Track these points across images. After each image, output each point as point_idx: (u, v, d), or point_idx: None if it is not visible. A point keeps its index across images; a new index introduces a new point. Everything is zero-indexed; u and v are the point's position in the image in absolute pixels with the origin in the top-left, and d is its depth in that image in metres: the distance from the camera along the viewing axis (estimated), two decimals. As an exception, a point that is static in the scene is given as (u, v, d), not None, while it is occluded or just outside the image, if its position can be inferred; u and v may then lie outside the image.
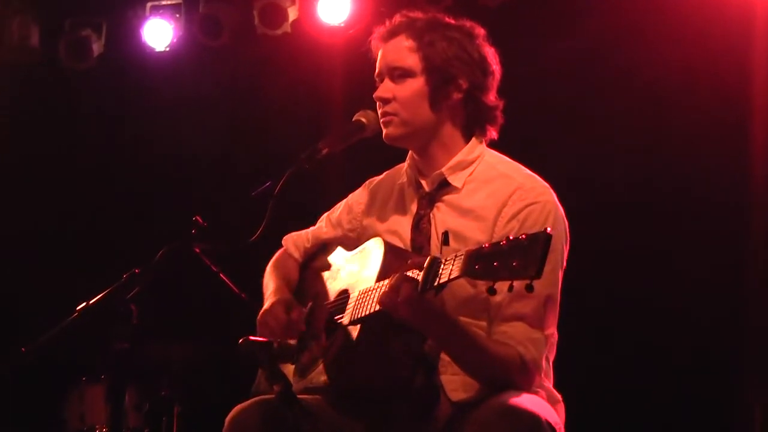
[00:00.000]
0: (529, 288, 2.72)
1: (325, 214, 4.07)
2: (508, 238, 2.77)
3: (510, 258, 2.73)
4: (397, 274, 3.09)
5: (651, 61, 6.50)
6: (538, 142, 6.47)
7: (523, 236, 2.74)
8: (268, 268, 4.04)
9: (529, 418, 3.07)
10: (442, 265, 2.96)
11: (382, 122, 3.65)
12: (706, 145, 6.34)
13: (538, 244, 2.70)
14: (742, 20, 6.35)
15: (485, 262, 2.79)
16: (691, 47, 6.37)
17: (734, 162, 6.33)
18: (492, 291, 2.80)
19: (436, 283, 2.96)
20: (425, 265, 3.00)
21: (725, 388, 6.21)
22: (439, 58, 3.60)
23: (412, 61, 3.60)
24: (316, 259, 4.00)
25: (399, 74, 3.61)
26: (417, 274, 3.04)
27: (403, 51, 3.62)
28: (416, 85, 3.60)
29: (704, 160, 6.36)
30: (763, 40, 6.34)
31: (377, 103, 3.69)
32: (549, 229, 2.73)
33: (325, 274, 3.81)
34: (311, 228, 4.09)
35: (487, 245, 2.81)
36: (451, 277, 2.90)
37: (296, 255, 4.07)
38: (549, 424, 3.12)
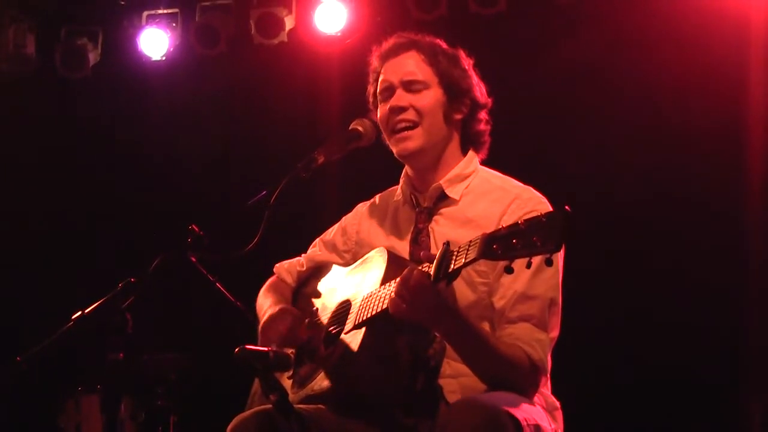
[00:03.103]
0: (549, 262, 2.74)
1: (318, 239, 4.09)
2: (524, 219, 2.80)
3: (530, 235, 2.75)
4: (409, 267, 3.10)
5: (648, 71, 6.52)
6: (536, 150, 6.50)
7: (541, 213, 2.77)
8: (261, 292, 4.04)
9: (488, 411, 3.05)
10: (455, 254, 2.97)
11: (398, 137, 3.67)
12: (705, 151, 6.36)
13: (557, 219, 2.73)
14: (738, 30, 6.37)
15: (503, 241, 2.81)
16: (688, 57, 6.39)
17: (732, 167, 6.35)
18: (509, 270, 2.82)
19: (450, 269, 2.96)
20: (437, 255, 3.01)
21: (724, 391, 6.22)
22: (452, 73, 3.71)
23: (428, 74, 3.70)
24: (308, 284, 4.01)
25: (415, 86, 3.68)
26: (429, 267, 3.05)
27: (417, 64, 3.71)
28: (434, 95, 3.68)
29: (703, 166, 6.38)
30: (760, 49, 6.36)
31: (383, 116, 3.71)
32: (567, 207, 2.75)
33: (321, 294, 3.82)
34: (304, 254, 4.10)
35: (504, 226, 2.83)
36: (468, 260, 2.91)
37: (289, 280, 4.08)
38: (513, 418, 3.09)
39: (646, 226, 6.51)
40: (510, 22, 6.90)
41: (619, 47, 6.61)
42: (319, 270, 3.98)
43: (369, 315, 3.30)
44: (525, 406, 3.27)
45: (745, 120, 6.34)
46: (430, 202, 3.70)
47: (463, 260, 2.92)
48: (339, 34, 7.20)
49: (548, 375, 3.56)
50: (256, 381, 3.81)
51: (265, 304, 3.86)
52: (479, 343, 3.26)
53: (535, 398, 3.44)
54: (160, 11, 7.68)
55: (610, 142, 6.56)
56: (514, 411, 3.12)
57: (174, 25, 7.68)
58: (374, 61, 3.84)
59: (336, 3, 7.17)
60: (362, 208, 4.01)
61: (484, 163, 3.83)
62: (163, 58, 7.66)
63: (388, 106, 3.71)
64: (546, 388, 3.55)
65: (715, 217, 6.33)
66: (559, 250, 2.73)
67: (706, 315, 6.26)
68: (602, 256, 6.36)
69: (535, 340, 3.37)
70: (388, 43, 3.81)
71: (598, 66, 6.62)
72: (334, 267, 3.88)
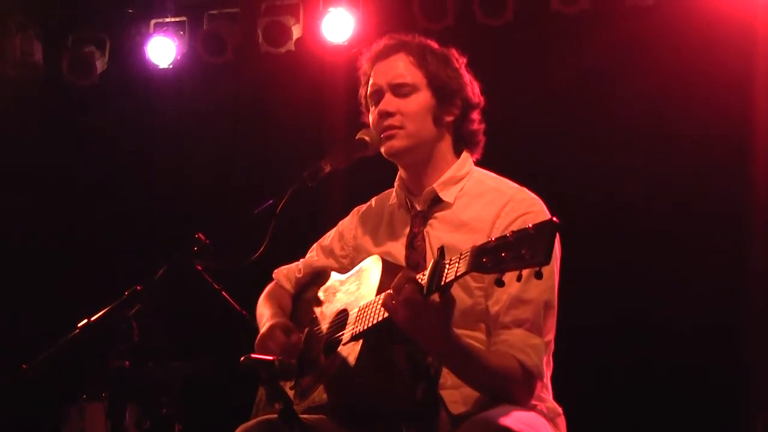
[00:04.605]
0: (539, 275, 2.71)
1: (316, 243, 4.07)
2: (512, 231, 2.77)
3: (518, 247, 2.73)
4: (401, 275, 3.05)
5: (654, 80, 6.54)
6: (542, 158, 6.52)
7: (530, 226, 2.74)
8: (261, 299, 4.03)
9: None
10: (447, 266, 2.94)
11: (385, 135, 3.66)
12: (710, 159, 6.38)
13: (545, 231, 2.71)
14: (743, 39, 6.40)
15: (493, 254, 2.78)
16: (694, 66, 6.41)
17: (737, 175, 6.37)
18: (500, 282, 2.79)
19: (442, 282, 2.93)
20: (429, 267, 2.98)
21: (727, 404, 6.21)
22: (441, 75, 3.67)
23: (416, 76, 3.66)
24: (307, 290, 3.99)
25: (403, 90, 3.65)
26: (422, 278, 3.02)
27: (405, 67, 3.68)
28: (422, 99, 3.65)
29: (708, 173, 6.40)
30: (765, 58, 6.37)
31: (373, 120, 3.71)
32: (555, 218, 2.74)
33: (320, 301, 3.80)
34: (302, 259, 4.09)
35: (493, 239, 2.81)
36: (458, 274, 2.87)
37: (288, 287, 4.07)
38: None
39: (651, 232, 6.52)
40: (517, 33, 6.92)
41: (625, 57, 6.64)
42: (318, 276, 3.96)
43: (365, 327, 3.27)
44: (534, 421, 3.28)
45: (750, 128, 6.36)
46: (425, 206, 3.67)
47: (454, 275, 2.89)
48: (346, 43, 7.21)
49: (549, 380, 3.54)
50: (261, 389, 3.82)
51: (263, 316, 3.85)
52: (469, 360, 3.21)
53: (537, 405, 3.43)
54: (168, 19, 7.71)
55: (615, 150, 6.59)
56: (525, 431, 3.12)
57: (181, 33, 7.70)
58: (364, 64, 3.82)
59: (343, 12, 7.19)
60: (359, 211, 3.99)
61: (484, 165, 3.80)
62: (171, 66, 7.67)
63: (377, 110, 3.69)
64: (548, 394, 3.53)
65: (720, 225, 6.35)
66: (548, 263, 2.69)
67: (710, 325, 6.27)
68: (608, 263, 6.38)
69: (529, 346, 3.33)
70: (378, 45, 3.78)
71: (604, 76, 6.64)
72: (333, 274, 3.86)
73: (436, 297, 2.99)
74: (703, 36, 6.42)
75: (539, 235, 2.71)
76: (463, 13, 6.93)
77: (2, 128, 7.55)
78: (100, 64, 7.78)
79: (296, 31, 7.43)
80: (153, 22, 7.73)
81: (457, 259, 2.90)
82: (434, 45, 3.78)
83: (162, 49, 7.65)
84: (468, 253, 2.86)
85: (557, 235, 3.49)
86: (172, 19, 7.70)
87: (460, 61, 3.77)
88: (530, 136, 6.69)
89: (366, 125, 3.78)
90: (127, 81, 7.80)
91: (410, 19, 6.97)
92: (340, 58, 7.16)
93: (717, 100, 6.35)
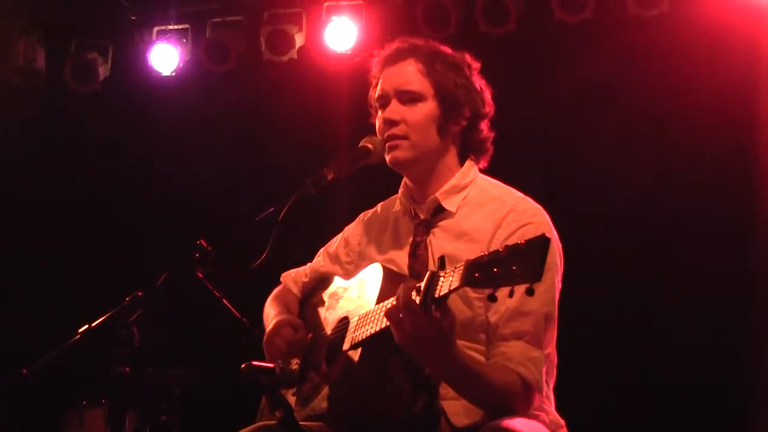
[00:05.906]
0: (530, 291, 2.69)
1: (323, 249, 4.07)
2: (506, 245, 2.76)
3: (510, 264, 2.72)
4: (400, 288, 3.03)
5: (657, 91, 6.55)
6: (545, 168, 6.52)
7: (522, 242, 2.73)
8: (268, 300, 4.02)
9: None
10: (441, 279, 2.93)
11: (389, 145, 3.64)
12: (710, 170, 6.39)
13: (536, 247, 2.70)
14: (747, 50, 6.41)
15: (485, 269, 2.77)
16: (697, 76, 6.41)
17: (738, 185, 6.37)
18: (492, 298, 2.77)
19: (436, 295, 2.92)
20: (424, 280, 2.96)
21: (728, 416, 6.21)
22: (449, 84, 3.63)
23: (423, 85, 3.62)
24: (314, 294, 3.98)
25: (409, 98, 3.62)
26: (420, 288, 3.00)
27: (413, 74, 3.64)
28: (427, 109, 3.61)
29: (709, 184, 6.40)
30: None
31: (378, 126, 3.70)
32: (547, 234, 2.72)
33: (324, 306, 3.79)
34: (309, 264, 4.09)
35: (486, 254, 2.79)
36: (452, 288, 2.86)
37: (295, 290, 4.06)
38: None
39: (654, 241, 6.53)
40: (519, 42, 6.92)
41: (628, 66, 6.64)
42: (323, 280, 3.96)
43: (365, 336, 3.27)
44: (540, 430, 3.28)
45: (754, 137, 6.37)
46: (428, 214, 3.65)
47: (448, 289, 2.89)
48: (349, 52, 7.22)
49: (552, 392, 3.53)
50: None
51: (270, 316, 3.85)
52: (468, 375, 3.18)
53: (540, 416, 3.41)
54: (171, 27, 7.72)
55: (618, 159, 6.59)
56: None
57: (184, 40, 7.71)
58: (374, 66, 3.79)
59: (346, 21, 7.19)
60: (364, 217, 3.98)
61: (487, 174, 3.79)
62: (173, 74, 7.68)
63: (382, 117, 3.68)
64: (550, 405, 3.51)
65: (724, 234, 6.35)
66: (539, 280, 2.68)
67: (712, 336, 6.26)
68: (611, 273, 6.39)
69: (529, 359, 3.31)
70: (390, 49, 3.75)
71: (607, 85, 6.64)
72: (336, 279, 3.85)
73: (433, 310, 2.98)
74: (707, 46, 6.43)
75: (531, 251, 2.70)
76: (465, 22, 6.94)
77: (4, 133, 7.56)
78: (103, 71, 7.79)
79: (299, 40, 7.44)
80: (156, 29, 7.74)
81: (451, 272, 2.89)
82: (446, 51, 3.74)
83: (165, 57, 7.66)
84: (461, 267, 2.85)
85: (559, 247, 3.51)
86: (175, 27, 7.71)
87: (472, 68, 3.73)
88: (534, 145, 6.69)
89: (373, 126, 3.77)
90: (129, 88, 7.82)
91: (413, 27, 6.97)
92: (342, 66, 7.17)
93: (720, 110, 6.36)
